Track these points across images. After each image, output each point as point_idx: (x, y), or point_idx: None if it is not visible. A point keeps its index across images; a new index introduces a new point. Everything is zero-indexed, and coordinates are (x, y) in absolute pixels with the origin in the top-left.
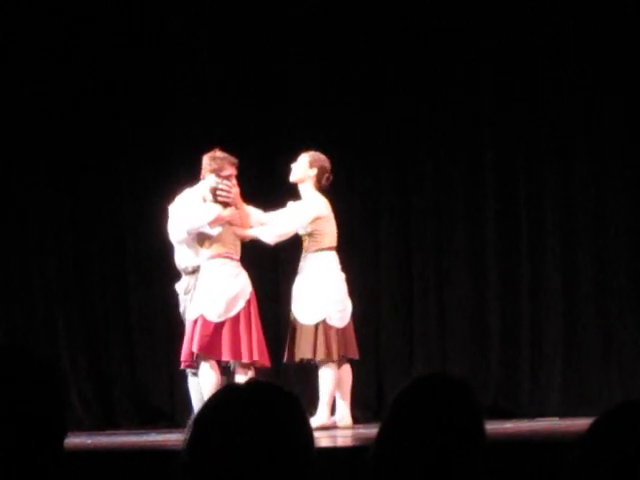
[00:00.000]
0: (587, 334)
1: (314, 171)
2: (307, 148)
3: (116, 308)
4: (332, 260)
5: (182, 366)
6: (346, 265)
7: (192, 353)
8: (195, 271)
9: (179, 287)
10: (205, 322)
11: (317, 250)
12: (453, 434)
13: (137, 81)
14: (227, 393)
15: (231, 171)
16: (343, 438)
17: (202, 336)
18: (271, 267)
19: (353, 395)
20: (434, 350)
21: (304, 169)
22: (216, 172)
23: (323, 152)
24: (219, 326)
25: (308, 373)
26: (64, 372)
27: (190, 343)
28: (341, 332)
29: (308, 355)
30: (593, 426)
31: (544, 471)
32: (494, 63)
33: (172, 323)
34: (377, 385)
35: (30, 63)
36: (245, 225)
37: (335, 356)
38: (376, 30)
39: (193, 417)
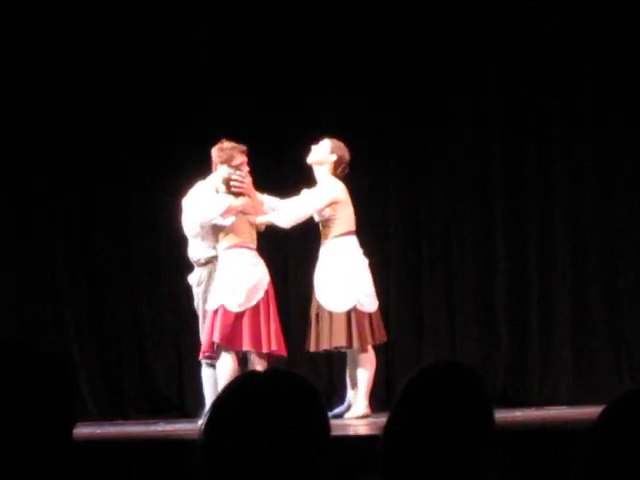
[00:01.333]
0: (597, 322)
1: (334, 157)
2: (316, 137)
3: (125, 299)
4: (353, 244)
5: (201, 357)
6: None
7: (213, 343)
8: (208, 262)
9: (191, 279)
10: (226, 312)
11: (336, 236)
12: (462, 422)
13: (141, 76)
14: (246, 380)
15: (242, 159)
16: (354, 427)
17: (223, 326)
18: (281, 256)
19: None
20: (443, 339)
21: (325, 153)
22: (227, 162)
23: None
24: (240, 316)
25: (317, 363)
26: (73, 362)
27: (211, 333)
28: (373, 317)
29: (342, 343)
30: (603, 414)
31: (554, 460)
32: (502, 63)
33: (181, 314)
34: (386, 374)
35: (34, 67)
36: (259, 213)
37: (370, 341)
38: (388, 28)
39: (211, 402)
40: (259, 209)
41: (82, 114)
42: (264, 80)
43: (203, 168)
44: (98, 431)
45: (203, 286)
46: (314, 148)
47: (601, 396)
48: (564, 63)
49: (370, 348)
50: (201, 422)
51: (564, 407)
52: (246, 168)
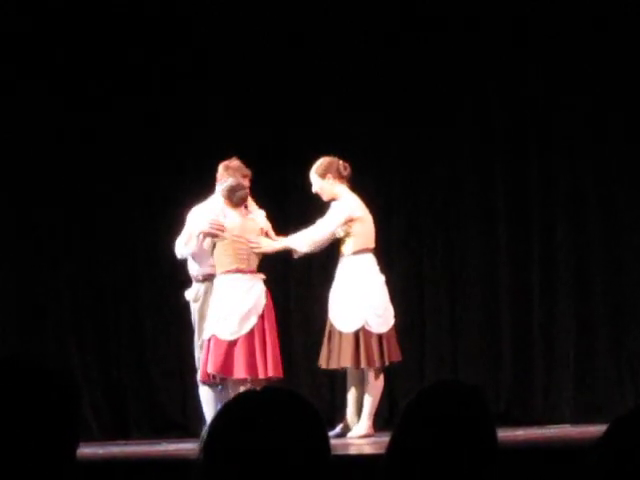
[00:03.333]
0: (599, 341)
1: (328, 178)
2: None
3: (128, 318)
4: (369, 262)
5: (200, 381)
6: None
7: (208, 373)
8: (205, 279)
9: (188, 294)
10: (218, 341)
11: (352, 253)
12: (464, 441)
13: (148, 91)
14: (245, 398)
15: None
16: (356, 446)
17: (216, 355)
18: (282, 274)
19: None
20: (446, 358)
21: (320, 183)
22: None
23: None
24: (232, 344)
25: (314, 378)
26: (77, 382)
27: (205, 363)
28: (383, 337)
29: (348, 364)
30: (607, 432)
31: (557, 478)
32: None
33: (184, 332)
34: (389, 393)
35: (43, 74)
36: (262, 236)
37: (378, 363)
38: (389, 37)
39: (210, 421)
40: (271, 240)
41: (84, 131)
42: (270, 97)
43: (208, 182)
44: (100, 451)
45: (200, 303)
46: (314, 186)
47: (603, 415)
48: (566, 75)
49: (379, 369)
50: (199, 441)
51: (567, 426)
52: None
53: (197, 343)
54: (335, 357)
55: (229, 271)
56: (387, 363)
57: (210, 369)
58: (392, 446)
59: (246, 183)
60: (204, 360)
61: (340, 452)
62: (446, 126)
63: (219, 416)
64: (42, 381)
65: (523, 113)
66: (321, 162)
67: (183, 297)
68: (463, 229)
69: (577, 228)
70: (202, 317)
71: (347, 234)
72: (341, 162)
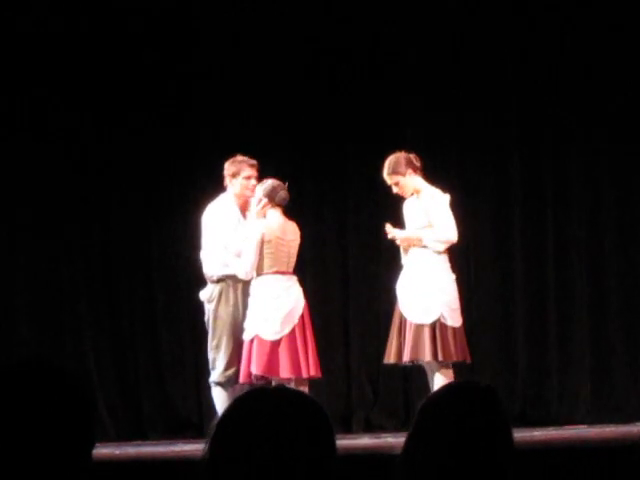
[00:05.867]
0: (615, 342)
1: (409, 173)
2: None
3: (143, 319)
4: (442, 257)
5: (241, 381)
6: (373, 269)
7: (250, 374)
8: (220, 280)
9: (203, 295)
10: (261, 342)
11: (423, 246)
12: (480, 442)
13: (156, 96)
14: (252, 398)
15: (250, 172)
16: (373, 445)
17: (260, 356)
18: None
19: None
20: None
21: (402, 180)
22: (235, 175)
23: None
24: (276, 344)
25: (336, 383)
26: (92, 383)
27: (248, 364)
28: (457, 332)
29: (427, 357)
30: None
31: (573, 479)
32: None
33: (198, 333)
34: (404, 393)
35: (51, 82)
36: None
37: (455, 357)
38: (396, 43)
39: (216, 419)
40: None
41: (98, 142)
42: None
43: (219, 185)
44: (117, 452)
45: (214, 303)
46: (397, 191)
47: (620, 416)
48: (584, 83)
49: (449, 367)
50: (206, 439)
51: (583, 426)
52: (253, 182)
53: (211, 344)
54: (409, 350)
55: (270, 272)
56: (461, 359)
57: (255, 370)
58: (408, 446)
59: (254, 172)
60: (247, 361)
61: (356, 452)
62: (459, 127)
63: (226, 415)
64: (58, 383)
65: (538, 114)
66: (394, 160)
67: (198, 298)
68: (477, 232)
69: (593, 240)
70: (216, 318)
71: (427, 226)
72: (411, 155)
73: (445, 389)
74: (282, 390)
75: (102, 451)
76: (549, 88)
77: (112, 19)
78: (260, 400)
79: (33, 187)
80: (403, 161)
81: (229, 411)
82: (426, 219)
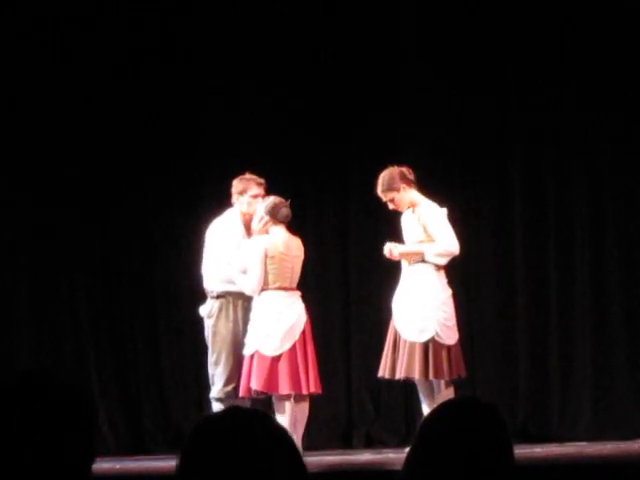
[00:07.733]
0: (616, 358)
1: (403, 188)
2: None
3: (144, 334)
4: (439, 273)
5: (241, 395)
6: (374, 285)
7: (250, 388)
8: (220, 296)
9: (202, 310)
10: (261, 357)
11: (422, 260)
12: (482, 458)
13: (166, 108)
14: (217, 418)
15: (258, 191)
16: (373, 462)
17: (260, 371)
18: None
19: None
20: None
21: (397, 196)
22: (242, 193)
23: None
24: (276, 360)
25: (336, 400)
26: (94, 397)
27: (248, 379)
28: (451, 350)
29: (417, 375)
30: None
31: None
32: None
33: (200, 348)
34: (405, 409)
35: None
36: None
37: (447, 376)
38: (398, 52)
39: (186, 438)
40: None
41: (102, 136)
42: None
43: (224, 201)
44: (117, 466)
45: (213, 319)
46: (392, 205)
47: (621, 432)
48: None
49: (449, 383)
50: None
51: (584, 443)
52: (260, 200)
53: (210, 360)
54: (402, 367)
55: (272, 287)
56: (454, 376)
57: (254, 385)
58: (409, 462)
59: (262, 191)
60: (247, 375)
61: (357, 467)
62: (464, 137)
63: (194, 433)
64: (59, 396)
65: (541, 118)
66: (388, 177)
67: (197, 313)
68: (478, 245)
69: (595, 250)
70: (215, 334)
71: (423, 240)
72: (403, 168)
73: (446, 405)
74: (250, 411)
75: (102, 465)
76: (549, 88)
77: (118, 12)
78: (225, 422)
79: (33, 187)
80: (397, 176)
81: (197, 429)
82: (423, 233)
